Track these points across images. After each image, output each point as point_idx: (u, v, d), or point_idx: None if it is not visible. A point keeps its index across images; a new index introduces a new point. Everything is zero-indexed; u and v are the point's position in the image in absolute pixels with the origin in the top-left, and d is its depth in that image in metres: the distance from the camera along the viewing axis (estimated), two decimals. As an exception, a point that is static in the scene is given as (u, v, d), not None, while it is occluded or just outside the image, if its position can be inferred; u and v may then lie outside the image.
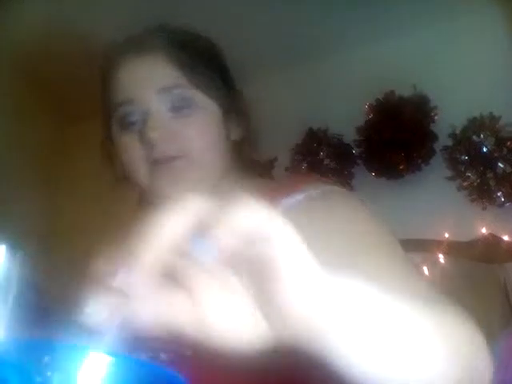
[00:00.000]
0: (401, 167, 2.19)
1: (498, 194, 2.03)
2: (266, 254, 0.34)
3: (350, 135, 2.32)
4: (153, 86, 0.73)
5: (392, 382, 0.41)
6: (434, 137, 2.18)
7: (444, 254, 2.04)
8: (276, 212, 0.36)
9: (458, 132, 2.11)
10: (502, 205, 2.03)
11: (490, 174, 2.04)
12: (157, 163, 0.71)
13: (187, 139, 0.72)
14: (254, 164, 0.85)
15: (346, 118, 2.29)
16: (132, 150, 0.73)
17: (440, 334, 0.45)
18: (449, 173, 2.12)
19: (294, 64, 2.43)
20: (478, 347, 0.51)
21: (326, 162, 2.32)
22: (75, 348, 0.27)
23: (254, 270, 0.35)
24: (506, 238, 2.00)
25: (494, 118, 2.07)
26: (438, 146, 2.17)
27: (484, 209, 2.05)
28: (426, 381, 0.43)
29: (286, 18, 2.20)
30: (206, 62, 0.77)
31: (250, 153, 0.82)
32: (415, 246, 2.10)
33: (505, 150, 2.04)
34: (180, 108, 0.73)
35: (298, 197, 0.66)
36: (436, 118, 2.18)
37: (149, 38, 0.76)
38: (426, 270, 2.06)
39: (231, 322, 0.34)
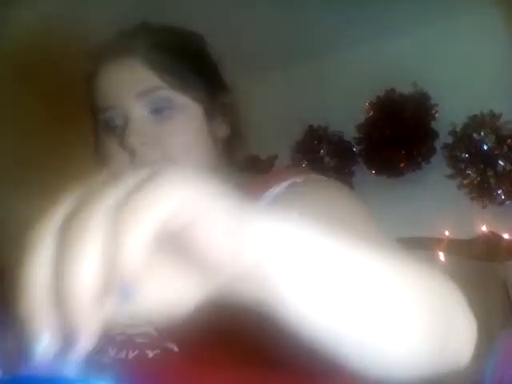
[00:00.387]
0: (401, 165, 2.18)
1: (499, 192, 2.03)
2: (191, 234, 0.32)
3: (350, 133, 2.32)
4: (131, 90, 0.73)
5: (349, 340, 0.40)
6: (434, 134, 2.17)
7: (444, 252, 2.04)
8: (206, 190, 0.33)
9: (458, 130, 2.11)
10: (502, 203, 2.03)
11: (490, 172, 2.04)
12: (139, 168, 0.71)
13: (169, 142, 0.72)
14: (246, 160, 0.84)
15: (346, 116, 2.28)
16: (115, 155, 0.73)
17: (413, 290, 0.44)
18: (449, 171, 2.12)
19: (294, 62, 2.43)
20: (456, 305, 0.50)
21: (327, 159, 2.32)
22: (78, 381, 0.27)
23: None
24: (506, 236, 2.00)
25: (494, 116, 2.07)
26: (438, 144, 2.17)
27: (484, 207, 2.05)
28: (392, 338, 0.42)
29: (286, 18, 2.20)
30: (185, 62, 0.77)
31: (239, 150, 0.81)
32: (415, 244, 2.10)
33: (505, 148, 2.04)
34: (160, 110, 0.73)
35: (283, 185, 0.67)
36: (436, 115, 2.18)
37: (127, 41, 0.76)
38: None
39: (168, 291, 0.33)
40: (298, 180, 0.68)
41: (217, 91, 0.79)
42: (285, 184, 0.67)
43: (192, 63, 0.78)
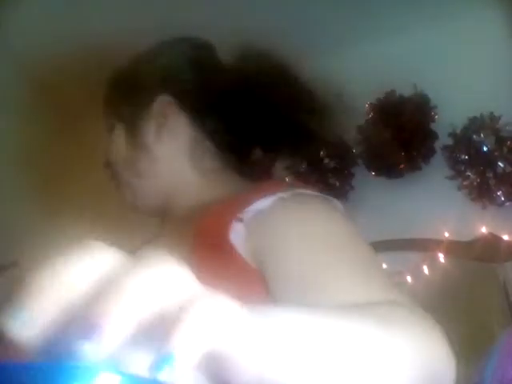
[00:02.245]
0: (401, 166, 2.19)
1: (498, 194, 2.03)
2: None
3: (350, 134, 2.32)
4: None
5: None
6: (434, 136, 2.18)
7: (444, 253, 2.04)
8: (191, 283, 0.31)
9: (458, 131, 2.11)
10: (501, 204, 2.03)
11: (490, 174, 2.04)
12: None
13: (155, 162, 0.84)
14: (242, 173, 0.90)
15: (346, 117, 2.28)
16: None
17: (398, 344, 0.44)
18: (449, 172, 2.12)
19: (293, 64, 2.42)
20: (440, 353, 0.50)
21: (326, 161, 2.32)
22: (84, 369, 0.28)
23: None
24: (505, 237, 2.00)
25: (494, 118, 2.07)
26: (438, 146, 2.17)
27: (484, 208, 2.05)
28: None
29: (286, 18, 2.20)
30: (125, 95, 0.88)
31: (232, 177, 0.86)
32: (415, 246, 2.10)
33: (505, 150, 2.04)
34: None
35: (270, 199, 0.69)
36: (436, 117, 2.18)
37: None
38: (425, 269, 2.06)
39: None
40: (285, 195, 0.70)
41: (210, 115, 0.86)
42: (271, 199, 0.69)
43: (190, 89, 0.88)
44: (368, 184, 2.27)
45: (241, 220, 0.67)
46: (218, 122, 0.86)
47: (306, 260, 0.60)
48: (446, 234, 2.05)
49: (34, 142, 2.51)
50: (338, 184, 2.30)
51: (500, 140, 2.05)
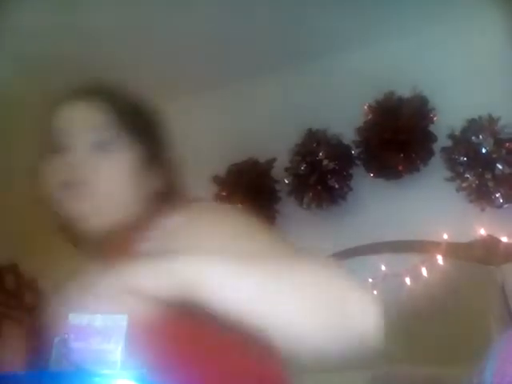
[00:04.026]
0: (399, 168, 2.19)
1: (497, 196, 2.03)
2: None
3: (349, 136, 2.32)
4: (83, 122, 0.88)
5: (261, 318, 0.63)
6: (432, 138, 2.18)
7: (442, 255, 2.04)
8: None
9: (456, 133, 2.12)
10: (500, 206, 2.03)
11: (488, 176, 2.04)
12: (67, 186, 0.85)
13: (96, 170, 0.85)
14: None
15: (345, 119, 2.29)
16: (52, 172, 0.87)
17: (312, 289, 0.65)
18: (447, 174, 2.12)
19: (293, 64, 2.43)
20: (349, 298, 0.66)
21: (325, 162, 2.32)
22: (103, 376, 0.28)
23: None
24: (504, 239, 2.00)
25: (492, 120, 2.07)
26: (436, 147, 2.17)
27: (482, 210, 2.05)
28: (295, 320, 0.64)
29: (286, 18, 2.21)
30: (133, 116, 0.91)
31: (168, 203, 0.91)
32: (414, 248, 2.11)
33: (503, 152, 2.04)
34: (101, 147, 0.87)
35: (178, 216, 0.81)
36: (435, 119, 2.19)
37: (92, 86, 0.93)
38: (424, 270, 2.06)
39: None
40: (189, 211, 0.82)
41: (154, 150, 0.92)
42: (179, 215, 0.81)
43: (139, 120, 0.92)
44: (367, 185, 2.28)
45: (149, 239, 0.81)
46: None
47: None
48: (445, 236, 2.05)
49: (35, 142, 2.50)
50: (336, 185, 2.30)
51: (498, 142, 2.05)
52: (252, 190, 2.40)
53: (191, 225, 0.79)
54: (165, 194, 0.92)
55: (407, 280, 2.05)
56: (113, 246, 0.83)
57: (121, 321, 0.48)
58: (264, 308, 0.64)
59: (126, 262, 0.64)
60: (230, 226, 0.80)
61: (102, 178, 0.85)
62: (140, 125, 0.92)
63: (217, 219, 0.82)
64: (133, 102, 0.95)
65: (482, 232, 2.02)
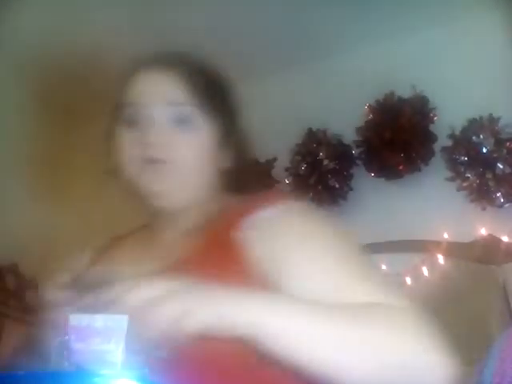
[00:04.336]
0: (400, 168, 2.19)
1: (498, 195, 2.03)
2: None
3: (349, 136, 2.32)
4: (161, 97, 0.83)
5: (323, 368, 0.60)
6: (433, 137, 2.18)
7: (443, 254, 2.04)
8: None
9: (457, 133, 2.12)
10: (501, 205, 2.03)
11: (489, 175, 2.04)
12: (147, 162, 0.80)
13: (177, 148, 0.81)
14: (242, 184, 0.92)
15: (345, 119, 2.29)
16: (129, 147, 0.82)
17: (376, 340, 0.62)
18: (448, 173, 2.12)
19: (294, 64, 2.43)
20: (421, 351, 0.62)
21: (326, 162, 2.32)
22: (103, 376, 0.29)
23: None
24: (505, 238, 2.00)
25: (493, 119, 2.07)
26: (437, 147, 2.17)
27: (483, 209, 2.05)
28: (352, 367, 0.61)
29: (286, 18, 2.21)
30: (216, 93, 0.86)
31: (236, 182, 0.89)
32: (414, 247, 2.10)
33: (504, 151, 2.04)
34: (180, 123, 0.82)
35: (272, 209, 0.77)
36: (435, 118, 2.19)
37: (170, 57, 0.87)
38: (425, 270, 2.06)
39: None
40: (285, 207, 0.78)
41: (230, 127, 0.88)
42: (273, 209, 0.77)
43: (219, 96, 0.87)
44: (367, 185, 2.28)
45: (247, 227, 0.74)
46: None
47: (311, 265, 0.70)
48: (446, 236, 2.05)
49: (35, 142, 2.51)
50: (337, 185, 2.30)
51: (499, 141, 2.05)
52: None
53: (283, 220, 0.75)
54: (235, 170, 0.88)
55: (408, 280, 2.05)
56: (205, 230, 0.78)
57: (121, 321, 0.48)
58: (330, 359, 0.61)
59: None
60: (321, 232, 0.76)
61: (182, 156, 0.81)
62: (219, 98, 0.87)
63: (311, 222, 0.78)
64: (212, 73, 0.89)
65: (483, 231, 2.02)
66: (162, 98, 0.82)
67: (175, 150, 0.81)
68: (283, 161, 2.39)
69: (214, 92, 0.86)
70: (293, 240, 0.73)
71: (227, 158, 0.87)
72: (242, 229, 0.74)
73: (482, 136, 2.08)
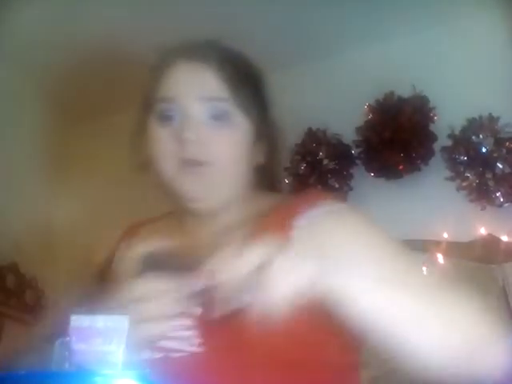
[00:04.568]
0: (400, 167, 2.19)
1: (497, 195, 2.03)
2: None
3: (349, 135, 2.32)
4: (198, 91, 0.79)
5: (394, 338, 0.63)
6: (433, 137, 2.18)
7: (443, 254, 2.04)
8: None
9: (457, 132, 2.12)
10: (500, 205, 2.03)
11: (489, 175, 2.05)
12: (186, 163, 0.77)
13: (217, 148, 0.78)
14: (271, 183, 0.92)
15: (345, 119, 2.29)
16: (165, 144, 0.78)
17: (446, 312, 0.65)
18: (448, 173, 2.12)
19: (293, 64, 2.43)
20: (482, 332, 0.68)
21: (325, 162, 2.33)
22: (104, 376, 0.29)
23: None
24: (504, 238, 2.00)
25: (493, 119, 2.07)
26: (437, 147, 2.17)
27: (483, 209, 2.05)
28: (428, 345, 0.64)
29: (286, 18, 2.21)
30: (250, 85, 0.84)
31: (267, 179, 0.88)
32: (414, 247, 2.10)
33: (504, 151, 2.04)
34: (218, 119, 0.79)
35: (319, 210, 0.77)
36: (435, 118, 2.19)
37: (203, 48, 0.83)
38: (425, 270, 2.06)
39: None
40: (330, 208, 0.78)
41: (264, 120, 0.85)
42: (320, 210, 0.77)
43: (255, 88, 0.85)
44: (367, 185, 2.28)
45: (297, 226, 0.74)
46: None
47: (368, 260, 0.73)
48: (445, 235, 2.05)
49: (34, 142, 2.51)
50: (337, 185, 2.30)
51: (499, 141, 2.05)
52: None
53: (335, 219, 0.76)
54: (265, 167, 0.86)
55: (408, 279, 2.05)
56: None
57: (122, 322, 0.48)
58: (405, 329, 0.64)
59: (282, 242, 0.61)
60: (371, 230, 0.81)
61: (221, 156, 0.78)
62: (253, 89, 0.84)
63: (361, 221, 0.81)
64: (245, 63, 0.86)
65: (483, 231, 2.02)
66: (198, 93, 0.79)
67: (214, 149, 0.77)
68: (283, 160, 2.39)
69: (248, 84, 0.83)
70: (350, 238, 0.75)
71: (261, 153, 0.85)
72: (295, 227, 0.74)
73: (481, 136, 2.08)
